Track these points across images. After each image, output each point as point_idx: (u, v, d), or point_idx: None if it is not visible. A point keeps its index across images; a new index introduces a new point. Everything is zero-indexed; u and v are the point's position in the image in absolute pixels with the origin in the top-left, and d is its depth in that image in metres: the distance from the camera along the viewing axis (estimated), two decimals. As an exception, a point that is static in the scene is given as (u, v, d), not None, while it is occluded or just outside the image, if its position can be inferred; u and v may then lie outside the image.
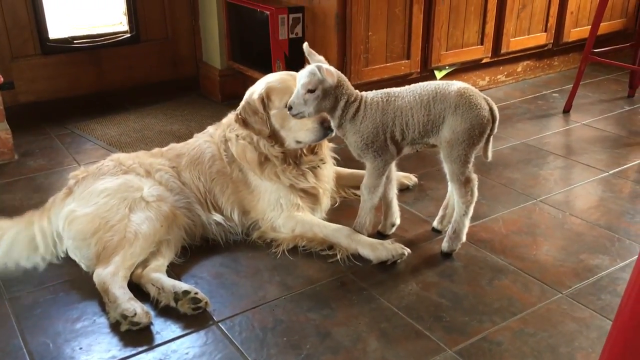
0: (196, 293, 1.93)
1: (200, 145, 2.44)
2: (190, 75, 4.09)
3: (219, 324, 1.89)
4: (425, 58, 3.66)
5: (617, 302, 1.93)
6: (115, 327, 1.87)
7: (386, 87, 3.57)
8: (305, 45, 2.08)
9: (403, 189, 2.71)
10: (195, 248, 2.26)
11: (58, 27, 3.70)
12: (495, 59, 4.00)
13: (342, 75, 2.08)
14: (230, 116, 2.44)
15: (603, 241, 2.31)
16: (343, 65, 3.37)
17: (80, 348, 1.79)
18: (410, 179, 2.75)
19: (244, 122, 2.29)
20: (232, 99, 3.86)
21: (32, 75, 3.58)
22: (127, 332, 1.84)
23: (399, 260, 2.16)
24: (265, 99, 2.26)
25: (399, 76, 3.60)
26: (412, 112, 2.04)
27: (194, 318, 1.90)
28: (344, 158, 2.79)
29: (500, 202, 2.61)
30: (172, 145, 2.52)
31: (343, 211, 2.53)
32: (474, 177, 2.14)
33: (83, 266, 2.13)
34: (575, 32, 4.26)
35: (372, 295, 2.01)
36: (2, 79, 3.00)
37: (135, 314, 1.85)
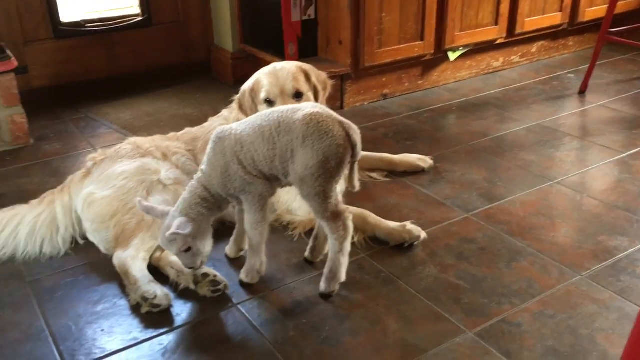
0: (215, 276, 1.93)
1: (215, 130, 2.44)
2: (202, 59, 4.08)
3: (238, 306, 1.90)
4: (439, 39, 3.62)
5: (637, 284, 1.93)
6: (135, 309, 1.88)
7: (400, 69, 3.58)
8: (138, 200, 1.86)
9: (418, 172, 2.70)
10: (213, 231, 2.27)
11: (70, 10, 3.68)
12: (510, 40, 3.96)
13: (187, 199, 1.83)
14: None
15: (621, 222, 2.30)
16: (356, 47, 3.34)
17: (102, 330, 1.81)
18: (425, 161, 2.74)
19: (241, 108, 2.33)
20: (244, 82, 3.82)
21: (45, 60, 3.57)
22: (147, 314, 1.86)
23: (415, 243, 2.16)
24: (253, 92, 2.29)
25: (412, 58, 3.57)
26: (255, 147, 1.78)
27: (213, 300, 1.91)
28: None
29: (517, 184, 2.60)
30: (188, 129, 2.52)
31: (359, 194, 2.47)
32: (343, 208, 1.83)
33: (102, 248, 2.14)
34: (591, 11, 4.20)
35: (390, 277, 2.01)
36: (16, 63, 3.01)
37: (156, 296, 1.86)
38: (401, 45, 3.48)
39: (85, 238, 2.21)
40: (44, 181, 2.72)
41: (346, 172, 1.84)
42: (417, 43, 3.53)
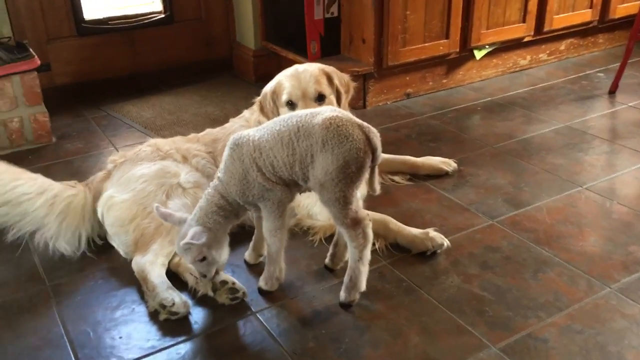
0: (234, 283, 1.91)
1: (236, 130, 2.39)
2: (224, 56, 4.05)
3: (257, 314, 1.87)
4: (465, 37, 3.55)
5: (672, 301, 1.86)
6: (154, 316, 1.87)
7: (424, 68, 3.51)
8: (155, 207, 1.84)
9: (441, 175, 2.64)
10: (232, 235, 2.23)
11: (93, 7, 3.68)
12: (538, 37, 3.86)
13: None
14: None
15: (653, 232, 2.22)
16: (379, 46, 3.29)
17: (120, 337, 1.79)
18: (450, 164, 2.68)
19: (262, 110, 2.29)
20: (266, 79, 3.75)
21: (68, 57, 3.58)
22: (165, 321, 1.84)
23: (438, 251, 2.11)
24: (275, 95, 2.25)
25: (437, 56, 3.50)
26: (274, 153, 1.74)
27: (231, 308, 1.89)
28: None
29: (544, 189, 2.53)
30: (209, 130, 2.49)
31: (380, 198, 2.45)
32: (363, 215, 1.79)
33: (121, 252, 2.13)
34: (622, 8, 4.08)
35: (412, 287, 1.96)
36: (38, 62, 3.01)
37: (174, 303, 1.84)
38: (426, 44, 3.41)
39: (103, 239, 2.20)
40: (65, 181, 2.71)
41: (367, 176, 1.80)
42: (442, 41, 3.46)
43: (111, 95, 3.67)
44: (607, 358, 1.66)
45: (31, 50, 3.02)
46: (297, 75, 2.21)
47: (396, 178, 2.62)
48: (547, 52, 4.02)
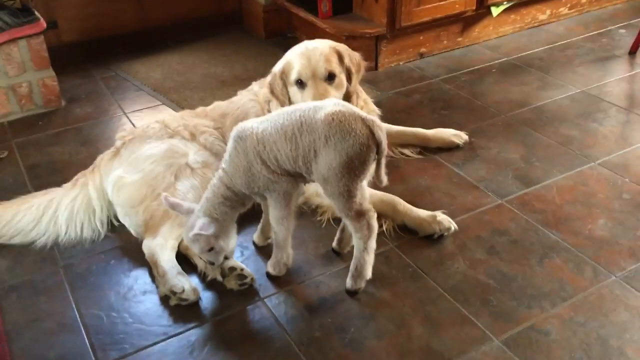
0: (242, 269, 1.94)
1: (245, 105, 2.39)
2: (233, 10, 3.95)
3: (265, 300, 1.91)
4: (482, -6, 3.42)
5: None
6: (164, 300, 1.91)
7: (439, 27, 3.40)
8: (164, 196, 1.86)
9: (452, 148, 2.62)
10: (241, 216, 2.24)
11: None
12: (558, -9, 3.72)
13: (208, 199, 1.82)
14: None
15: (663, 215, 2.21)
16: (393, 6, 3.18)
17: (133, 323, 1.85)
18: (461, 137, 2.64)
19: (271, 91, 2.25)
20: (276, 36, 3.74)
21: (75, 14, 3.51)
22: (176, 306, 1.89)
23: (445, 234, 2.12)
24: (284, 74, 2.20)
25: (452, 15, 3.39)
26: (277, 146, 1.74)
27: (240, 293, 1.93)
28: (389, 110, 2.72)
29: (556, 164, 2.50)
30: (217, 103, 2.46)
31: (389, 173, 2.42)
32: (368, 207, 1.80)
33: (132, 232, 2.16)
34: (650, -42, 3.89)
35: (418, 273, 1.99)
36: (44, 25, 2.96)
37: (184, 290, 1.88)
38: (441, 2, 3.30)
39: (118, 220, 2.23)
40: (75, 150, 2.74)
41: (373, 167, 1.79)
42: (458, -1, 3.34)
43: (119, 52, 3.62)
44: (608, 352, 1.69)
45: (37, 13, 2.96)
46: (307, 54, 2.16)
47: (406, 151, 2.60)
48: (568, 5, 3.87)
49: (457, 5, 3.35)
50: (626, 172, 2.44)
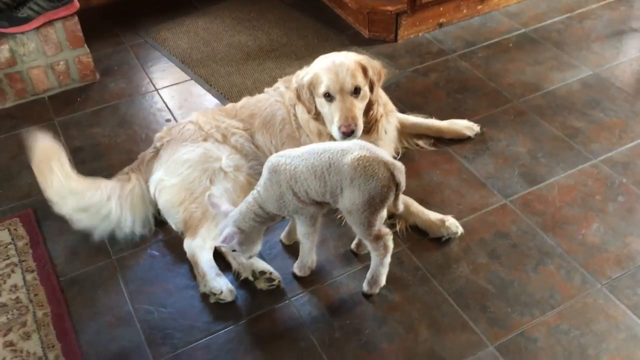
0: (271, 273, 2.23)
1: (272, 106, 2.57)
2: (256, -32, 3.97)
3: (292, 299, 2.21)
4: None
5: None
6: (205, 297, 2.21)
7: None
8: (208, 195, 2.12)
9: (463, 140, 2.80)
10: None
11: None
12: (582, -43, 3.69)
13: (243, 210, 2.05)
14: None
15: (653, 220, 2.42)
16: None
17: (180, 319, 2.16)
18: (472, 129, 2.82)
19: (298, 97, 2.42)
20: None
21: (101, -22, 3.60)
22: (215, 303, 2.19)
23: (452, 237, 2.37)
24: (312, 86, 2.35)
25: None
26: (308, 183, 1.98)
27: (270, 293, 2.22)
28: (406, 92, 2.87)
29: (559, 161, 2.68)
30: (245, 101, 2.64)
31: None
32: (386, 231, 2.06)
33: (174, 227, 2.43)
34: None
35: (426, 276, 2.26)
36: (78, 5, 3.08)
37: (222, 292, 2.18)
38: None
39: (162, 216, 2.48)
40: (114, 133, 2.95)
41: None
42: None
43: (146, 15, 3.73)
44: (585, 360, 1.99)
45: (68, -7, 3.07)
46: (335, 69, 2.30)
47: (420, 142, 2.79)
48: (591, -34, 3.85)
49: (478, -24, 3.38)
50: (625, 171, 2.62)
